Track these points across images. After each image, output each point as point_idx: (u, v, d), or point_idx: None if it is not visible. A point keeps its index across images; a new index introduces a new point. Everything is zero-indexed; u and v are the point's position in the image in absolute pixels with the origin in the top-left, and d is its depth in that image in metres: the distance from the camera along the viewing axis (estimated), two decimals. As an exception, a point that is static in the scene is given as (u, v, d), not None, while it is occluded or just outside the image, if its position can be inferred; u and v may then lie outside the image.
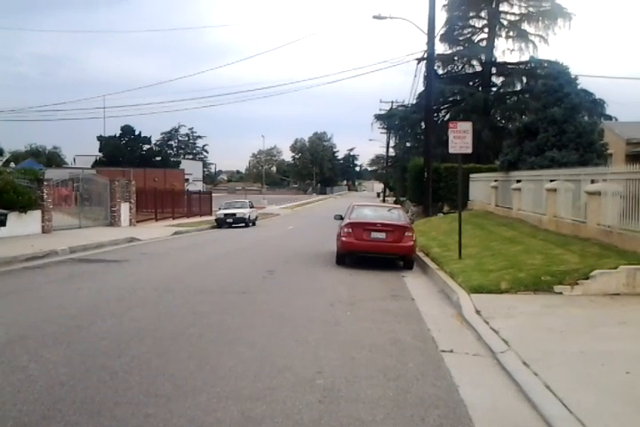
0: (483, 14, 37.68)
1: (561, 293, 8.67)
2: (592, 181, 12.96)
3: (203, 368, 5.31)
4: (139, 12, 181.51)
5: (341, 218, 14.31)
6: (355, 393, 4.74)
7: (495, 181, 22.29)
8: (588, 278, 8.73)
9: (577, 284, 8.71)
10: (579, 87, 20.76)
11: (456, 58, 38.61)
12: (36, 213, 19.06)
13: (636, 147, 23.22)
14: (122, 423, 4.05)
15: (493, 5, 36.70)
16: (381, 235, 12.78)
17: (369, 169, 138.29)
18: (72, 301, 8.53)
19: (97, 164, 63.30)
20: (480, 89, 37.16)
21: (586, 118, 20.53)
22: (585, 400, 4.44)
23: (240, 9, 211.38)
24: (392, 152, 64.40)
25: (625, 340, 6.34)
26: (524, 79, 36.31)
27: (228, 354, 5.80)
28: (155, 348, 5.96)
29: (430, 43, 25.08)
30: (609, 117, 31.46)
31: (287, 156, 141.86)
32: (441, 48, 37.04)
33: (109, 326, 6.85)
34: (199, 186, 65.49)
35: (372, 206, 16.24)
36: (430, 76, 27.00)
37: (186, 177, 61.50)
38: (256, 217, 32.63)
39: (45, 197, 19.56)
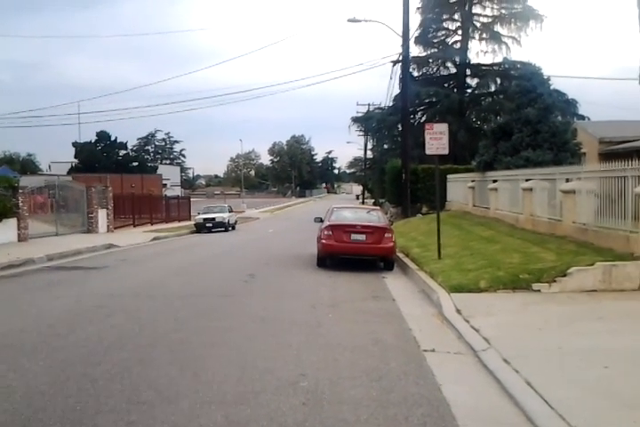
0: (456, 17, 38.10)
1: (539, 290, 8.78)
2: (567, 180, 13.17)
3: (185, 374, 5.28)
4: (115, 16, 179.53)
5: (321, 220, 14.33)
6: (338, 394, 4.75)
7: (472, 181, 22.51)
8: (565, 276, 8.86)
9: (554, 281, 8.84)
10: (551, 88, 21.10)
11: (431, 60, 38.98)
12: (12, 222, 18.75)
13: (608, 145, 23.60)
14: (104, 431, 4.01)
15: (466, 8, 37.13)
16: (361, 237, 12.83)
17: (347, 171, 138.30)
18: (50, 309, 8.42)
19: (73, 170, 62.51)
20: (455, 90, 37.52)
21: (559, 118, 20.86)
22: (565, 396, 4.51)
23: (218, 13, 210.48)
24: (370, 154, 64.65)
25: (603, 335, 6.44)
26: (498, 80, 36.77)
27: (210, 358, 5.77)
28: (136, 354, 5.90)
29: (405, 45, 25.25)
30: (582, 117, 32.00)
31: (265, 159, 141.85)
32: (416, 50, 37.43)
33: (89, 334, 6.77)
34: (177, 191, 64.94)
35: (351, 208, 16.29)
36: (406, 78, 27.16)
37: (163, 182, 61.09)
38: (235, 221, 32.49)
39: (21, 204, 19.26)
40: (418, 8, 36.99)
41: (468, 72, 38.36)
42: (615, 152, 20.75)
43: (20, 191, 19.54)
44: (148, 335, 6.73)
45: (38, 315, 7.96)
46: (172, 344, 6.33)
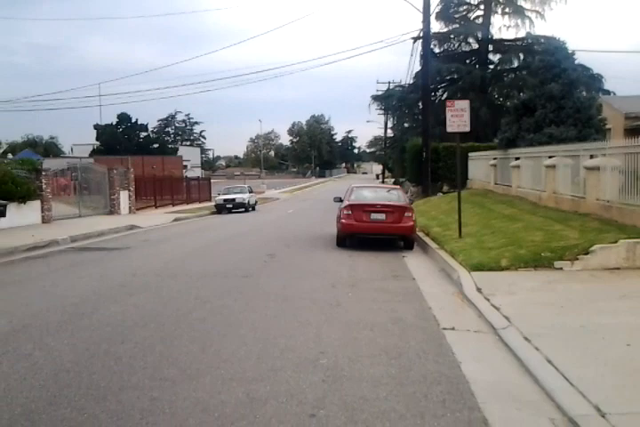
0: (478, -9, 37.19)
1: (561, 268, 8.70)
2: (591, 157, 12.91)
3: (206, 351, 5.35)
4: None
5: (341, 200, 14.28)
6: (358, 372, 4.78)
7: (494, 159, 22.22)
8: (588, 253, 8.76)
9: (577, 259, 8.74)
10: (576, 62, 20.56)
11: (452, 36, 38.17)
12: (36, 204, 19.06)
13: (634, 121, 23.09)
14: (128, 407, 4.09)
15: (489, -19, 36.19)
16: (381, 216, 12.78)
17: (367, 151, 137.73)
18: (74, 289, 8.58)
19: (94, 152, 63.25)
20: (477, 67, 36.82)
21: (584, 93, 20.39)
22: (586, 373, 4.48)
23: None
24: (390, 133, 64.19)
25: (625, 313, 6.37)
26: (521, 56, 35.96)
27: (231, 337, 5.84)
28: (158, 333, 6.00)
29: (426, 21, 24.80)
30: (607, 92, 31.25)
31: (285, 140, 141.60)
32: (437, 26, 36.69)
33: (112, 313, 6.89)
34: (198, 172, 65.32)
35: (371, 188, 16.20)
36: (426, 54, 26.73)
37: (184, 163, 61.33)
38: (255, 202, 32.60)
39: (44, 187, 19.54)
40: (439, -18, 36.16)
41: (491, 48, 37.54)
42: (641, 128, 20.30)
43: (44, 174, 19.82)
44: (169, 314, 6.83)
45: (63, 295, 8.11)
46: (194, 323, 6.42)
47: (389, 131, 64.95)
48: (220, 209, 28.98)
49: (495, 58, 37.93)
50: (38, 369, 4.90)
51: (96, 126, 70.29)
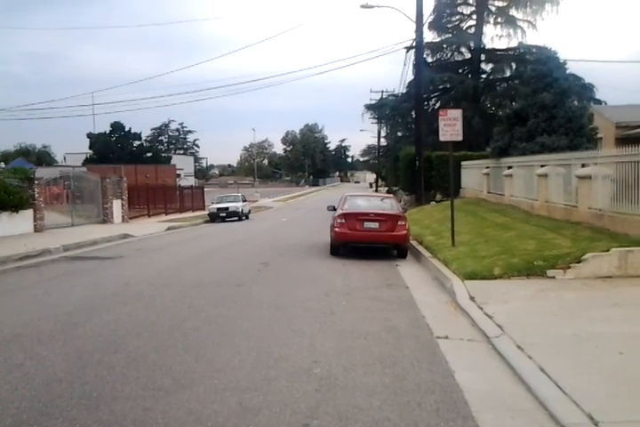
0: (471, 1, 37.52)
1: (554, 277, 8.73)
2: (582, 166, 13.01)
3: (200, 361, 5.33)
4: (128, 7, 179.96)
5: (334, 209, 14.30)
6: (351, 381, 4.77)
7: (487, 167, 22.33)
8: (580, 262, 8.79)
9: (569, 267, 8.77)
10: (568, 72, 20.78)
11: (445, 45, 38.46)
12: (28, 213, 18.98)
13: (625, 130, 23.26)
14: (120, 418, 4.07)
15: (481, -9, 36.52)
16: (375, 224, 12.80)
17: (361, 160, 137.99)
18: (67, 298, 8.53)
19: (87, 161, 63.12)
20: (469, 76, 37.08)
21: (575, 103, 20.54)
22: (579, 382, 4.49)
23: (230, 1, 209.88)
24: (383, 142, 64.44)
25: (618, 321, 6.39)
26: (514, 65, 36.24)
27: (224, 346, 5.82)
28: (151, 342, 5.98)
29: (419, 31, 24.97)
30: (598, 102, 31.54)
31: (279, 148, 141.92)
32: (430, 36, 36.97)
33: (105, 322, 6.86)
34: (191, 181, 65.24)
35: (364, 196, 16.24)
36: (419, 64, 26.89)
37: (177, 172, 61.25)
38: (249, 210, 32.59)
39: (37, 195, 19.47)
40: (432, -8, 36.50)
41: (483, 57, 37.85)
42: (632, 137, 20.48)
43: (36, 183, 19.76)
44: (163, 323, 6.80)
45: (55, 304, 8.07)
46: (187, 332, 6.40)
47: (383, 140, 65.26)
48: (214, 218, 28.94)
49: (487, 67, 38.24)
50: (30, 379, 4.86)
51: (89, 135, 70.14)
